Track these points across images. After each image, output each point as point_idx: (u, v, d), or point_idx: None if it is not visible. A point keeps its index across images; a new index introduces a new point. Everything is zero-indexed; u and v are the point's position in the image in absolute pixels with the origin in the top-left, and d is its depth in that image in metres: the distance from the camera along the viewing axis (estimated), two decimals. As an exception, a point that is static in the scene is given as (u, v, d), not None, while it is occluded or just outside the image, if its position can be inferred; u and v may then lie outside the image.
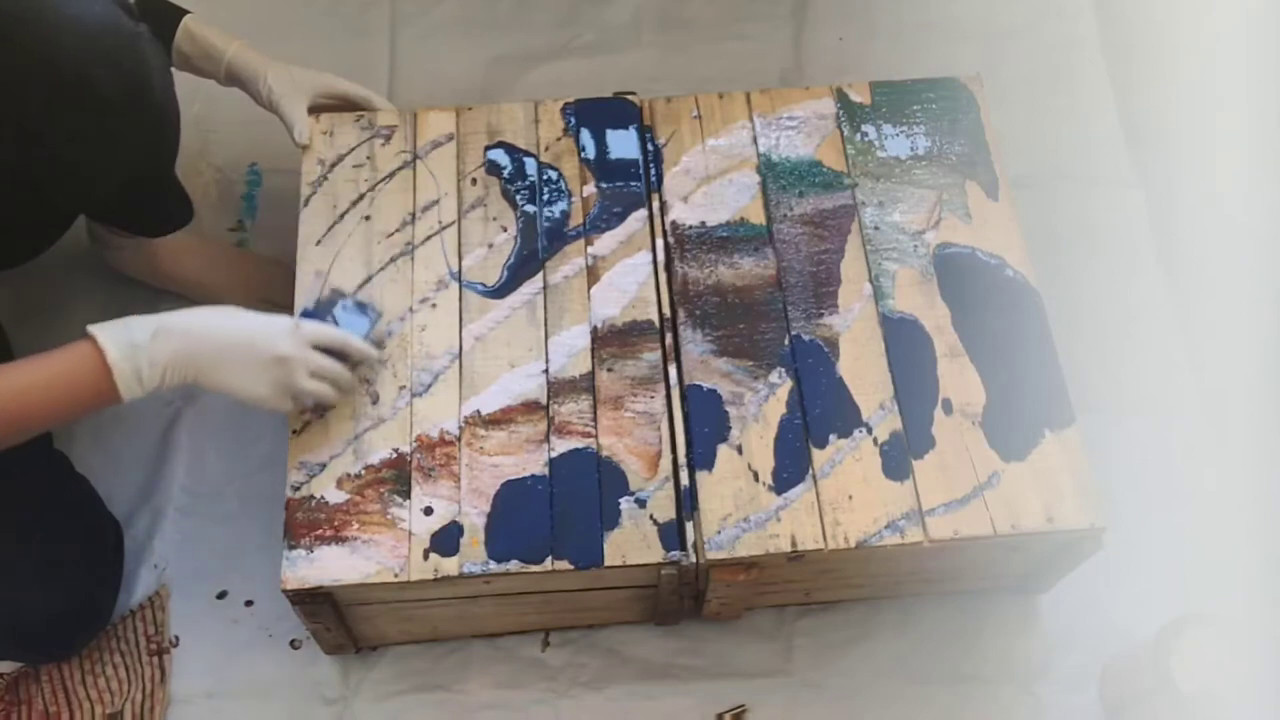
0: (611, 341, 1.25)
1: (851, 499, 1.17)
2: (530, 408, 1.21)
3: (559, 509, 1.16)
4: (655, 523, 1.16)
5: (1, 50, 1.03)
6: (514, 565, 1.14)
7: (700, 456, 1.19)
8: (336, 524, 1.16)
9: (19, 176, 1.10)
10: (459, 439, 1.20)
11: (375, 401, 1.20)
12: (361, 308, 1.23)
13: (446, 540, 1.15)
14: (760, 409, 1.21)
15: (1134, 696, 1.24)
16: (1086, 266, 1.54)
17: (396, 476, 1.18)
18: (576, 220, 1.31)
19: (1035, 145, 1.61)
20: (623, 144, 1.36)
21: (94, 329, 1.05)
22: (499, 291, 1.27)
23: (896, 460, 1.19)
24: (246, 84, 1.33)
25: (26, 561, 1.19)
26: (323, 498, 1.17)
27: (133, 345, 1.04)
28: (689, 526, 1.16)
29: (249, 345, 1.10)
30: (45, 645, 1.27)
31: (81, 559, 1.26)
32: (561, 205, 1.32)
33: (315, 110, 1.36)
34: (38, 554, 1.20)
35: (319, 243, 1.29)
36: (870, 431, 1.20)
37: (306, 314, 1.23)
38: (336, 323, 1.21)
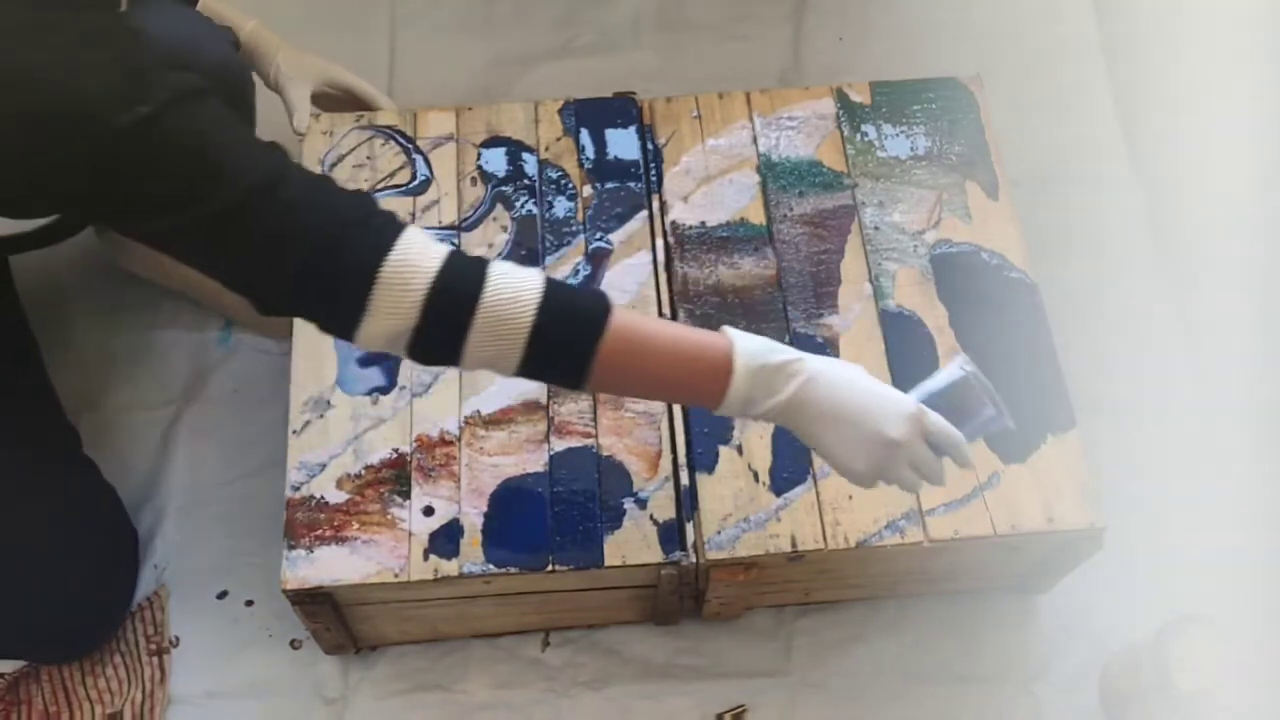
0: (611, 341, 1.25)
1: (851, 499, 1.17)
2: (530, 407, 1.21)
3: (559, 509, 1.16)
4: (655, 523, 1.16)
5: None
6: (514, 566, 1.14)
7: (700, 457, 1.19)
8: (336, 524, 1.16)
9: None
10: (459, 439, 1.20)
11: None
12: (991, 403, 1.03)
13: (446, 540, 1.15)
14: (760, 409, 1.21)
15: (1134, 696, 1.24)
16: (1086, 266, 1.54)
17: (396, 476, 1.18)
18: (577, 220, 1.31)
19: (1035, 145, 1.61)
20: (623, 144, 1.36)
21: (735, 334, 0.97)
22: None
23: (896, 460, 1.19)
24: (258, 61, 1.34)
25: (45, 563, 1.20)
26: (323, 498, 1.17)
27: (763, 368, 0.96)
28: (689, 526, 1.16)
29: (863, 416, 0.98)
30: (54, 647, 1.27)
31: (98, 564, 1.26)
32: (562, 205, 1.32)
33: (319, 101, 1.36)
34: (56, 556, 1.21)
35: (319, 243, 1.29)
36: (870, 431, 1.20)
37: (932, 395, 1.02)
38: (958, 410, 1.02)
